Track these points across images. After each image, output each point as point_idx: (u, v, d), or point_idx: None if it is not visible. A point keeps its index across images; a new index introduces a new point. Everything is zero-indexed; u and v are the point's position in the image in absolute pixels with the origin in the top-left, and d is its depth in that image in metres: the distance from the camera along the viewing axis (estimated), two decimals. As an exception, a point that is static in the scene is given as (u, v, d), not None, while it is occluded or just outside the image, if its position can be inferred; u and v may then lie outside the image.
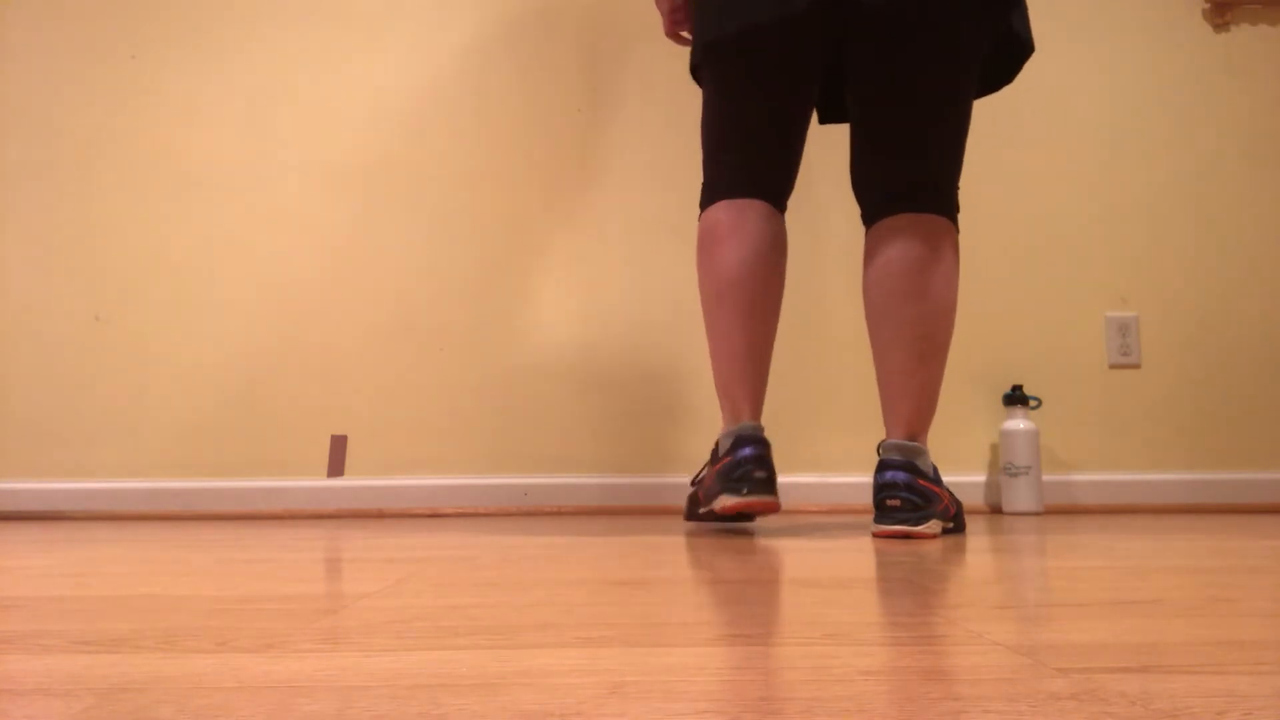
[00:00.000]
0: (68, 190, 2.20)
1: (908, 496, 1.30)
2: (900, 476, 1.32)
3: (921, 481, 1.32)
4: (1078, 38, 2.24)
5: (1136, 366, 2.16)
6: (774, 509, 1.36)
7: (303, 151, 2.21)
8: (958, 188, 1.43)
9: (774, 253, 1.43)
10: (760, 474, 1.34)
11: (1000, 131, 2.21)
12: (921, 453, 1.35)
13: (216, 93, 2.22)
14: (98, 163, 2.20)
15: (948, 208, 1.40)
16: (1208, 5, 2.25)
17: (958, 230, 1.41)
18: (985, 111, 2.21)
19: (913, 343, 1.36)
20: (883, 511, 1.32)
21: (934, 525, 1.32)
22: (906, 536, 1.30)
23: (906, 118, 1.39)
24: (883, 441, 1.38)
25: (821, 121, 1.62)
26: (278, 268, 2.18)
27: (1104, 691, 0.41)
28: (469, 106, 2.22)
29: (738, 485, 1.34)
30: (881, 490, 1.33)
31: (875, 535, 1.33)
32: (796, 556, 1.04)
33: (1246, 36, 2.25)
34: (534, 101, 2.22)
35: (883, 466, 1.34)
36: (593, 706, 0.39)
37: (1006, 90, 2.21)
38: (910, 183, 1.40)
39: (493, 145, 2.21)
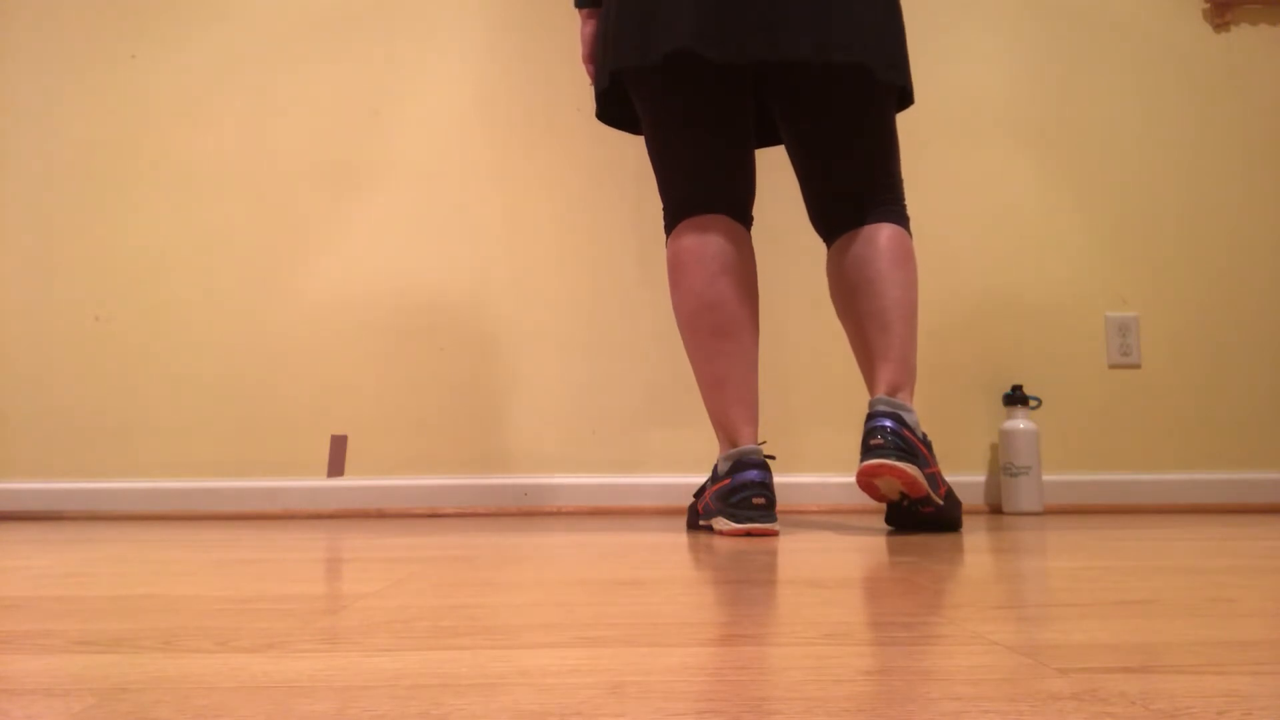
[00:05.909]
0: (68, 190, 2.20)
1: (892, 439, 1.34)
2: (886, 422, 1.36)
3: (907, 433, 1.35)
4: (1078, 38, 2.24)
5: (1136, 366, 2.16)
6: (773, 535, 1.37)
7: (303, 151, 2.21)
8: (901, 196, 1.50)
9: (740, 270, 1.46)
10: (759, 500, 1.37)
11: (1000, 132, 2.21)
12: (906, 409, 1.39)
13: (216, 93, 2.22)
14: (98, 163, 2.20)
15: (895, 217, 1.48)
16: (1208, 5, 2.25)
17: (909, 234, 1.48)
18: (985, 112, 2.21)
19: (886, 311, 1.43)
20: (866, 450, 1.36)
21: (915, 471, 1.33)
22: (888, 473, 1.33)
23: (836, 154, 1.48)
24: (870, 400, 1.43)
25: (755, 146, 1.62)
26: (277, 268, 2.18)
27: (1104, 691, 0.41)
28: (469, 106, 2.22)
29: (736, 512, 1.37)
30: (868, 435, 1.37)
31: (859, 477, 1.36)
32: (796, 556, 1.04)
33: (1247, 37, 2.25)
34: (534, 101, 2.22)
35: (870, 417, 1.38)
36: (593, 706, 0.39)
37: (1007, 91, 2.21)
38: (855, 210, 1.48)
39: (493, 145, 2.21)
